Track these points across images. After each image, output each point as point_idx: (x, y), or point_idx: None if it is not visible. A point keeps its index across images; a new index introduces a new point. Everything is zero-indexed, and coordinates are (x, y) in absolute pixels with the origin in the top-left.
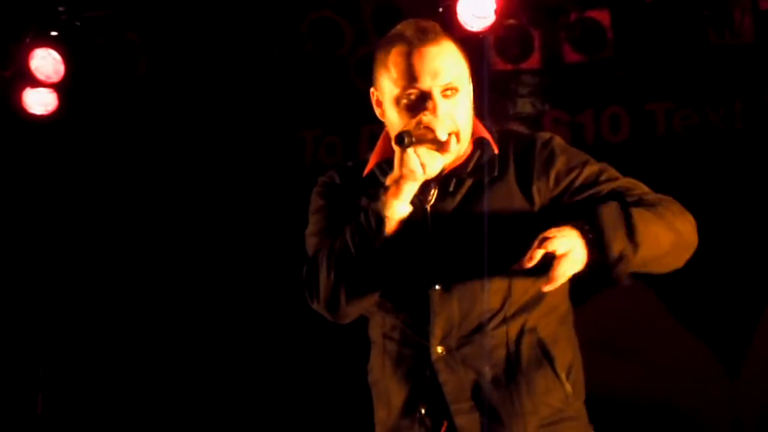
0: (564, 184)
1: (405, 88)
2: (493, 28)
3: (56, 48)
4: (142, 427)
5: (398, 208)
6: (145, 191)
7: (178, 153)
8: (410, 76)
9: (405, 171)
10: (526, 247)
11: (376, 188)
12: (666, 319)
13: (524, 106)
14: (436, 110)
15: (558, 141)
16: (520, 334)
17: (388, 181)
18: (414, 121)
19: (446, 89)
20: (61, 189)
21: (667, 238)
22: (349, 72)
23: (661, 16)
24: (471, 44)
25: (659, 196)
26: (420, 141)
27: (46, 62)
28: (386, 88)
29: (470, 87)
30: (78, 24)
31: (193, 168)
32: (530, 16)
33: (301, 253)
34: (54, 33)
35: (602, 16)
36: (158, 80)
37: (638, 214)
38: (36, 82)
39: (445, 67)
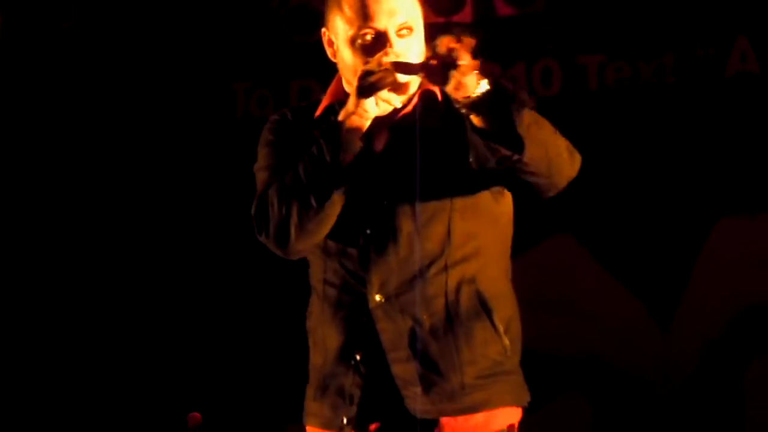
0: None
1: (360, 28)
2: None
3: None
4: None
5: (350, 145)
6: (74, 145)
7: (109, 106)
8: (365, 16)
9: (359, 110)
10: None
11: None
12: (597, 272)
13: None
14: (392, 49)
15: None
16: (460, 283)
17: (341, 116)
18: (374, 60)
19: (402, 28)
20: None
21: (556, 145)
22: (280, 24)
23: None
24: None
25: None
26: (379, 83)
27: None
28: (340, 29)
29: (422, 30)
30: None
31: (123, 121)
32: None
33: (233, 201)
34: None
35: None
36: (87, 32)
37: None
38: None
39: (401, 6)
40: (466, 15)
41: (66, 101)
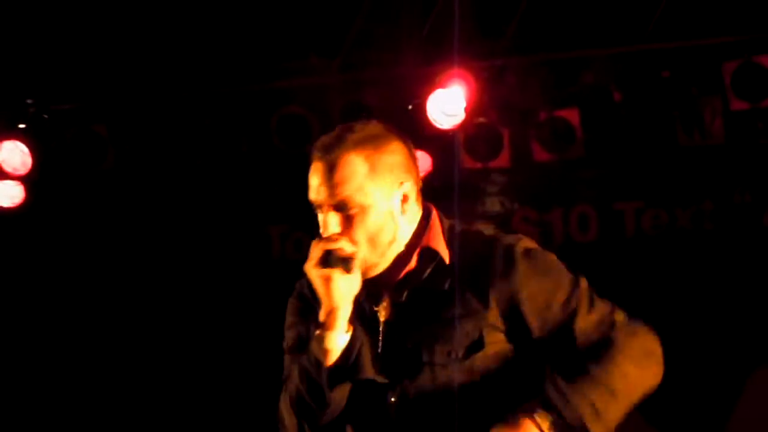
0: (526, 312)
1: (311, 201)
2: (462, 126)
3: (24, 140)
4: None
5: (337, 339)
6: (112, 285)
7: (146, 247)
8: (312, 189)
9: (333, 302)
10: (482, 365)
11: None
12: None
13: (493, 204)
14: (326, 227)
15: (519, 251)
16: None
17: (321, 316)
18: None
19: (339, 206)
20: (27, 282)
21: (628, 393)
22: None
23: (630, 116)
24: (441, 142)
25: (627, 330)
26: (331, 262)
27: (14, 154)
28: None
29: (385, 202)
30: (46, 117)
31: (160, 263)
32: (500, 114)
33: (269, 342)
34: (22, 125)
35: (571, 115)
36: (126, 174)
37: (593, 391)
38: (3, 175)
39: (341, 182)
40: (503, 160)
41: (104, 241)
